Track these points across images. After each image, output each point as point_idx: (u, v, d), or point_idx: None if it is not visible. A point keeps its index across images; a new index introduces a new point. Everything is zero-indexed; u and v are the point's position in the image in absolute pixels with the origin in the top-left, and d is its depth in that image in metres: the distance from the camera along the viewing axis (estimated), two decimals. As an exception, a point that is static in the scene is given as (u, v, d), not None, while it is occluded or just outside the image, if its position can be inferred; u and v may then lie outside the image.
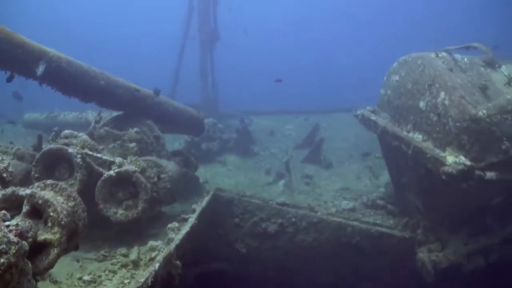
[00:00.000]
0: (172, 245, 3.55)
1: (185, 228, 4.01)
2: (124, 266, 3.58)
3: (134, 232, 4.21)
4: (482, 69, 5.03)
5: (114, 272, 3.48)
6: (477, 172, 3.90)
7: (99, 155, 4.31)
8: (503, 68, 4.47)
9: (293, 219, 5.44)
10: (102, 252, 3.83)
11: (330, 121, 9.88)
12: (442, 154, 4.11)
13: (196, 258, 4.80)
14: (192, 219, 4.28)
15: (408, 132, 4.75)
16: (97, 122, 5.38)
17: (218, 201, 5.58)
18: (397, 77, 5.07)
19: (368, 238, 5.17)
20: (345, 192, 6.49)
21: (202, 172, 7.18)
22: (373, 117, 5.35)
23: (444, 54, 4.93)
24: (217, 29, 11.85)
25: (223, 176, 7.46)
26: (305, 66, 35.32)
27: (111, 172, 4.07)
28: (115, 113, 5.76)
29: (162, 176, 4.53)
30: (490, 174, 3.97)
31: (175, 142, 8.38)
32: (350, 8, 38.57)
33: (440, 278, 4.50)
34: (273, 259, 5.57)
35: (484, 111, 3.99)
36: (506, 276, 4.91)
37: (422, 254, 4.60)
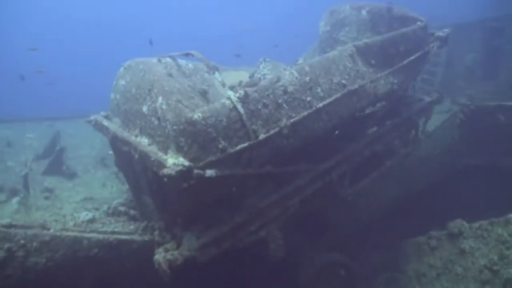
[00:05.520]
0: None
1: None
2: None
3: None
4: (206, 74, 5.43)
5: None
6: (196, 171, 4.14)
7: None
8: (216, 74, 4.88)
9: (22, 241, 4.85)
10: None
11: (77, 128, 9.26)
12: (164, 157, 4.23)
13: None
14: None
15: (136, 136, 4.77)
16: None
17: None
18: (123, 82, 5.03)
19: (107, 247, 5.00)
20: (88, 202, 6.14)
21: None
22: (105, 123, 5.20)
23: (168, 59, 5.13)
24: None
25: None
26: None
27: None
28: None
29: None
30: (209, 172, 4.28)
31: None
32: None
33: (177, 274, 4.65)
34: None
35: (200, 114, 4.26)
36: (240, 260, 5.48)
37: (158, 255, 4.65)
